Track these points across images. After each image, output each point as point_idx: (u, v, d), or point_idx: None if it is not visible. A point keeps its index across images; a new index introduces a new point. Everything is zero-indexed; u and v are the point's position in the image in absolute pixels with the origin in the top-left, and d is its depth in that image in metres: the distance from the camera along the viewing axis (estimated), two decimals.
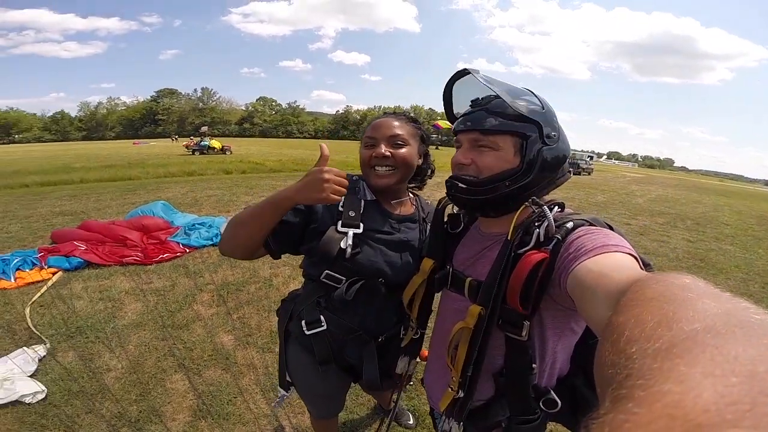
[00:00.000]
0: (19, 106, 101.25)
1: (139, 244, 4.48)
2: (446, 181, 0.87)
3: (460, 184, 0.82)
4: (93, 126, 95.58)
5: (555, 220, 0.71)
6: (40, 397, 2.09)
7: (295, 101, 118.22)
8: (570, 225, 0.69)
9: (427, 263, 0.99)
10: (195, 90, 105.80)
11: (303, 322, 1.13)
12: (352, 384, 1.37)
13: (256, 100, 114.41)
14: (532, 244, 0.71)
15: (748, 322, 0.25)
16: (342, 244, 1.02)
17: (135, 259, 4.18)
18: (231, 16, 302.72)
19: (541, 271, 0.67)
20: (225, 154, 22.82)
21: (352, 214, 1.05)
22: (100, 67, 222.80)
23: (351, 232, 1.04)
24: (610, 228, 0.69)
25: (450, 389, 0.85)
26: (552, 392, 0.82)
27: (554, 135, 0.79)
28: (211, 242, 4.89)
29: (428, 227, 1.14)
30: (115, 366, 2.43)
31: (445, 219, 1.03)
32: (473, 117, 0.82)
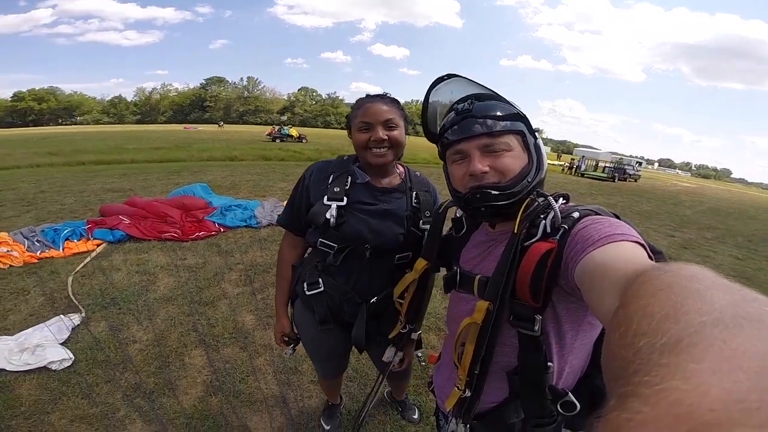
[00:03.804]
0: (83, 90, 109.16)
1: (178, 221, 4.64)
2: (469, 194, 0.80)
3: (493, 192, 0.77)
4: (147, 110, 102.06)
5: (561, 212, 0.70)
6: (67, 364, 2.16)
7: (335, 92, 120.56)
8: (576, 215, 0.68)
9: (420, 263, 1.02)
10: (241, 79, 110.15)
11: (305, 284, 1.28)
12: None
13: (298, 90, 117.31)
14: (539, 235, 0.71)
15: (756, 315, 0.24)
16: (327, 215, 1.16)
17: (173, 236, 4.33)
18: (276, 8, 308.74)
19: (550, 261, 0.66)
20: (302, 142, 24.11)
21: (336, 189, 1.19)
22: (156, 54, 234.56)
23: (335, 204, 1.17)
24: (617, 217, 0.67)
25: (457, 388, 0.82)
26: (570, 394, 0.76)
27: (537, 128, 0.81)
28: (244, 223, 4.99)
29: (414, 195, 1.26)
30: (141, 338, 2.49)
31: (445, 223, 1.05)
32: (469, 122, 0.79)
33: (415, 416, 2.01)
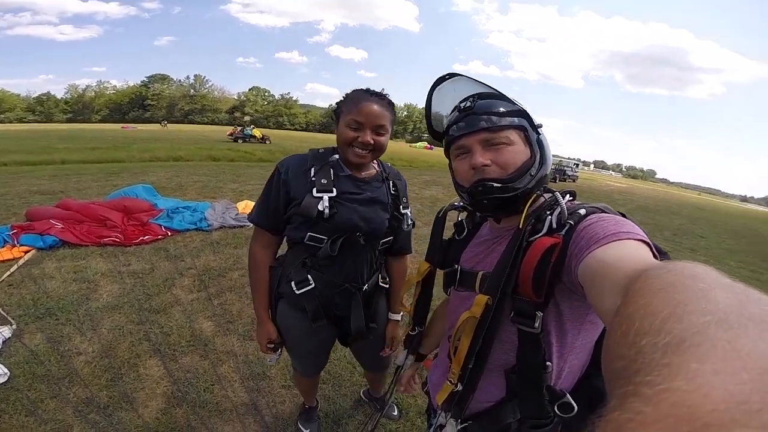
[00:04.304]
0: (7, 86, 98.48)
1: (120, 225, 4.29)
2: (472, 188, 0.80)
3: (495, 184, 0.77)
4: (79, 108, 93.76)
5: (567, 208, 0.70)
6: (2, 380, 1.95)
7: (289, 93, 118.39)
8: (582, 212, 0.67)
9: (424, 266, 1.03)
10: (187, 77, 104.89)
11: (292, 283, 1.25)
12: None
13: (249, 90, 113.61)
14: (544, 231, 0.70)
15: (760, 315, 0.24)
16: (319, 207, 1.16)
17: (114, 240, 4.00)
18: (231, 6, 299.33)
19: (554, 256, 0.65)
20: (264, 143, 23.55)
21: (324, 181, 1.19)
22: (94, 50, 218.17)
23: (326, 196, 1.18)
24: (624, 216, 0.67)
25: (449, 382, 0.82)
26: (568, 396, 0.76)
27: (539, 124, 0.81)
28: (194, 226, 4.72)
29: (391, 183, 1.32)
30: (86, 350, 2.29)
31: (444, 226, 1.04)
32: (472, 119, 0.80)
33: (395, 413, 2.02)
